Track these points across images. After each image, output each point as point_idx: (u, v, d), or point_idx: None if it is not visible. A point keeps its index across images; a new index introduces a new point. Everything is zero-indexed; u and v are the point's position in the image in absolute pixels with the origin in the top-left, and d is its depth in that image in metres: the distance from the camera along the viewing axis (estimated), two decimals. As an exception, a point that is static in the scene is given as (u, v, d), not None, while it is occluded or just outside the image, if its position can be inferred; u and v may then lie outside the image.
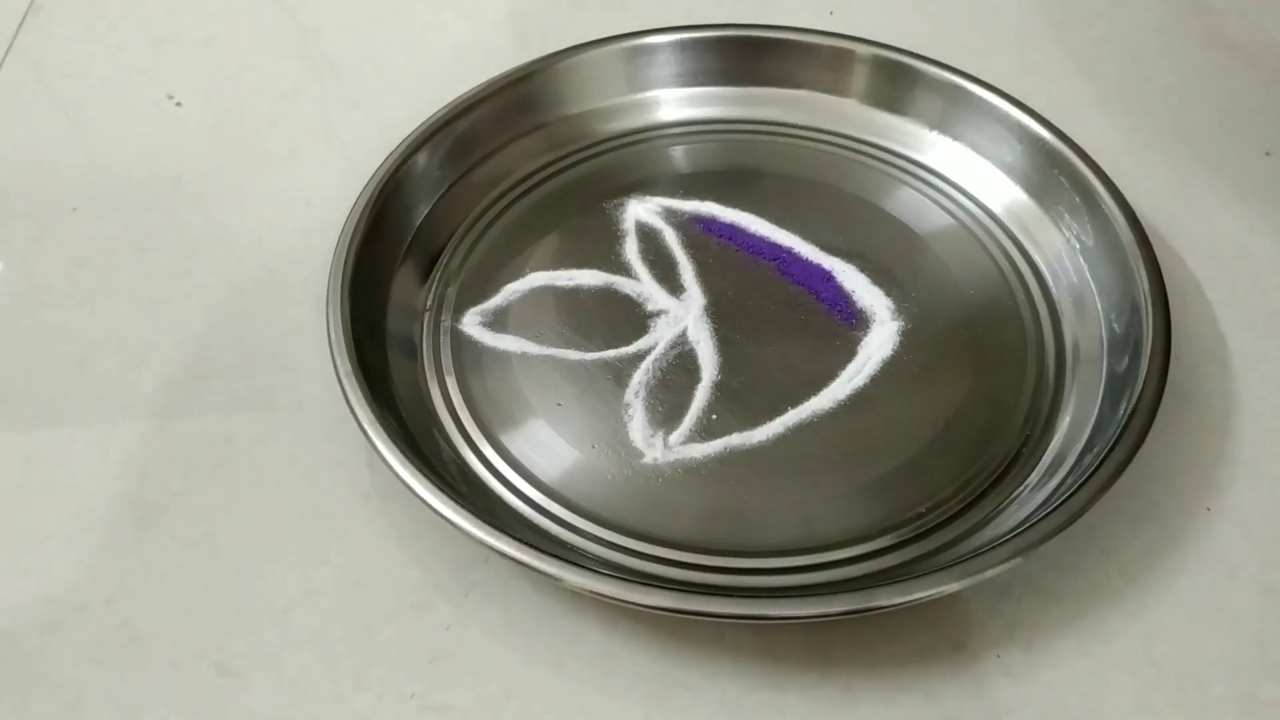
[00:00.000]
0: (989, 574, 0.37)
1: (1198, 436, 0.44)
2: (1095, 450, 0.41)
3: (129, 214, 0.54)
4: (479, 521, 0.38)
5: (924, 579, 0.37)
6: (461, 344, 0.47)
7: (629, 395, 0.45)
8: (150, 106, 0.60)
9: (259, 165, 0.56)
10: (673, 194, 0.53)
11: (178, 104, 0.60)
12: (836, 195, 0.52)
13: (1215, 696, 0.38)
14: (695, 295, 0.49)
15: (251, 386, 0.47)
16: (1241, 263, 0.50)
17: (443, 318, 0.48)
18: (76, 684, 0.39)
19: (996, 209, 0.51)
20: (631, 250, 0.51)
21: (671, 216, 0.52)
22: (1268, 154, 0.55)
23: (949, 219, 0.51)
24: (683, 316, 0.48)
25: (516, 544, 0.37)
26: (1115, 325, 0.46)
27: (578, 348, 0.47)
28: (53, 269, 0.52)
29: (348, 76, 0.61)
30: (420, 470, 0.39)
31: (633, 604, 0.37)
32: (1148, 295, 0.44)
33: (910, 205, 0.52)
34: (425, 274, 0.50)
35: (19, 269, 0.52)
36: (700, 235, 0.51)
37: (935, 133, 0.53)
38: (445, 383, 0.46)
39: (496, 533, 0.38)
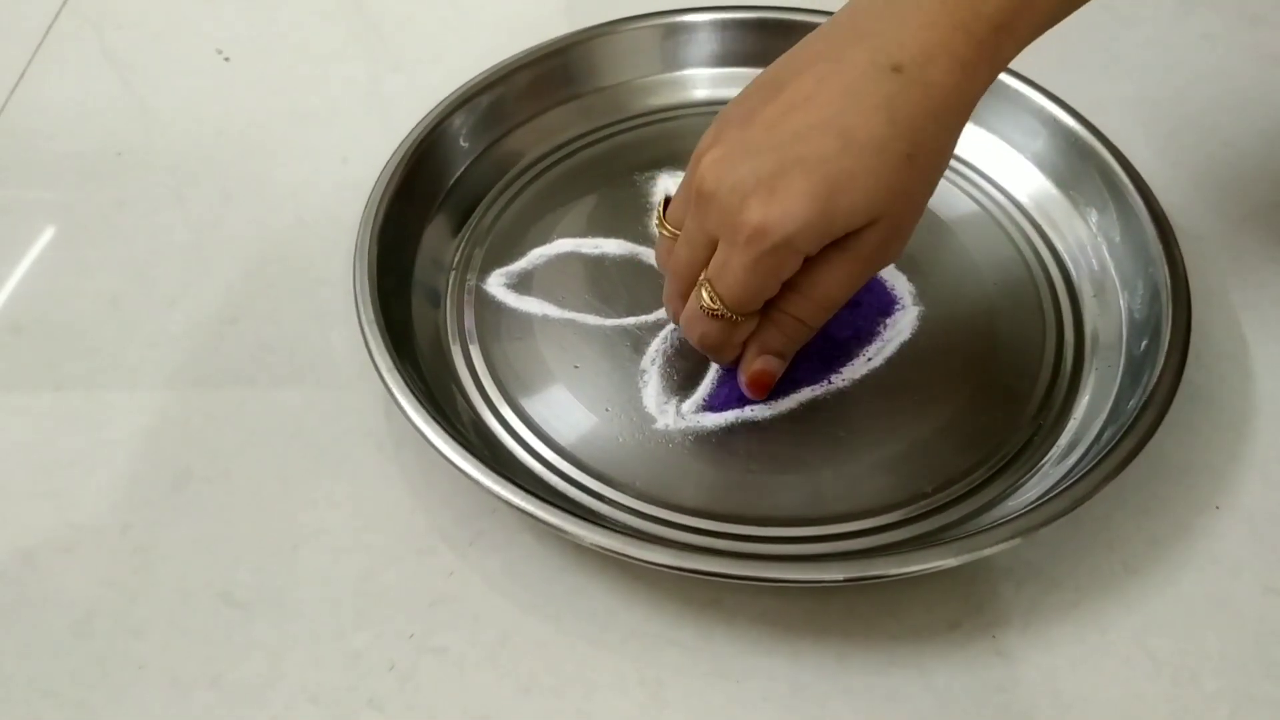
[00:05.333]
0: (987, 552, 0.37)
1: (1212, 436, 0.44)
2: (1107, 437, 0.41)
3: (171, 161, 0.55)
4: (487, 470, 0.39)
5: (921, 552, 0.37)
6: (485, 304, 0.48)
7: (645, 362, 0.46)
8: (199, 60, 0.61)
9: (300, 122, 0.57)
10: (704, 170, 0.53)
11: (226, 59, 0.61)
12: (865, 180, 0.53)
13: (1208, 691, 0.38)
14: (718, 269, 0.49)
15: (278, 332, 0.48)
16: (1269, 270, 0.50)
17: (468, 277, 0.49)
18: (86, 604, 0.40)
19: (1023, 199, 0.51)
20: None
21: (701, 192, 0.52)
22: (1306, 165, 0.55)
23: (975, 207, 0.51)
24: (704, 289, 0.48)
25: (522, 493, 0.38)
26: (1136, 316, 0.46)
27: (598, 313, 0.48)
28: (93, 209, 0.53)
29: (392, 41, 0.62)
30: (434, 418, 0.40)
31: (631, 558, 0.37)
32: (1169, 290, 0.44)
33: (937, 191, 0.51)
34: (454, 232, 0.51)
35: (61, 206, 0.53)
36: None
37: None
38: (466, 340, 0.47)
39: (503, 481, 0.38)
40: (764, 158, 0.37)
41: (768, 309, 0.41)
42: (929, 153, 0.37)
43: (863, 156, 0.36)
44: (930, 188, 0.39)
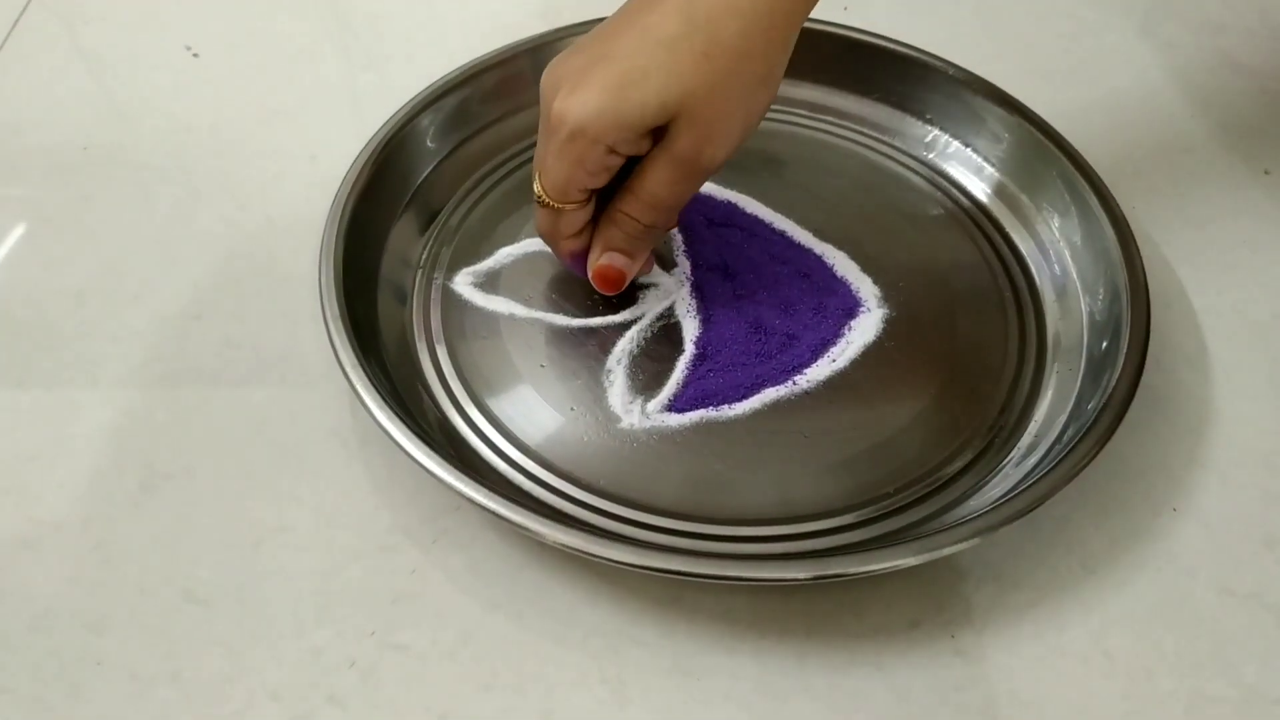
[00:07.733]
0: (947, 551, 0.37)
1: (1170, 439, 0.45)
2: (1068, 439, 0.41)
3: (138, 157, 0.55)
4: (451, 468, 0.39)
5: (883, 551, 0.37)
6: (451, 302, 0.48)
7: (611, 362, 0.46)
8: (168, 55, 0.61)
9: (269, 119, 0.57)
10: (672, 172, 0.53)
11: (195, 55, 0.61)
12: (832, 182, 0.53)
13: (1163, 690, 0.38)
14: (686, 271, 0.49)
15: (243, 329, 0.48)
16: (1229, 275, 0.51)
17: (435, 276, 0.49)
18: (45, 600, 0.39)
19: (986, 203, 0.52)
20: (627, 223, 0.51)
21: (669, 193, 0.52)
22: (1267, 172, 0.55)
23: (940, 211, 0.52)
24: (672, 290, 0.49)
25: (486, 491, 0.38)
26: (1097, 318, 0.46)
27: (565, 313, 0.48)
28: (59, 204, 0.53)
29: (364, 39, 0.62)
30: (399, 416, 0.40)
31: (594, 556, 0.37)
32: (1128, 293, 0.44)
33: (903, 196, 0.52)
34: (422, 231, 0.51)
35: (28, 201, 0.53)
36: (697, 213, 0.51)
37: (932, 127, 0.54)
38: (433, 339, 0.47)
39: (467, 479, 0.38)
40: (580, 56, 0.40)
41: (607, 209, 0.44)
42: (729, 52, 0.39)
43: (656, 53, 0.39)
44: (740, 89, 0.40)
